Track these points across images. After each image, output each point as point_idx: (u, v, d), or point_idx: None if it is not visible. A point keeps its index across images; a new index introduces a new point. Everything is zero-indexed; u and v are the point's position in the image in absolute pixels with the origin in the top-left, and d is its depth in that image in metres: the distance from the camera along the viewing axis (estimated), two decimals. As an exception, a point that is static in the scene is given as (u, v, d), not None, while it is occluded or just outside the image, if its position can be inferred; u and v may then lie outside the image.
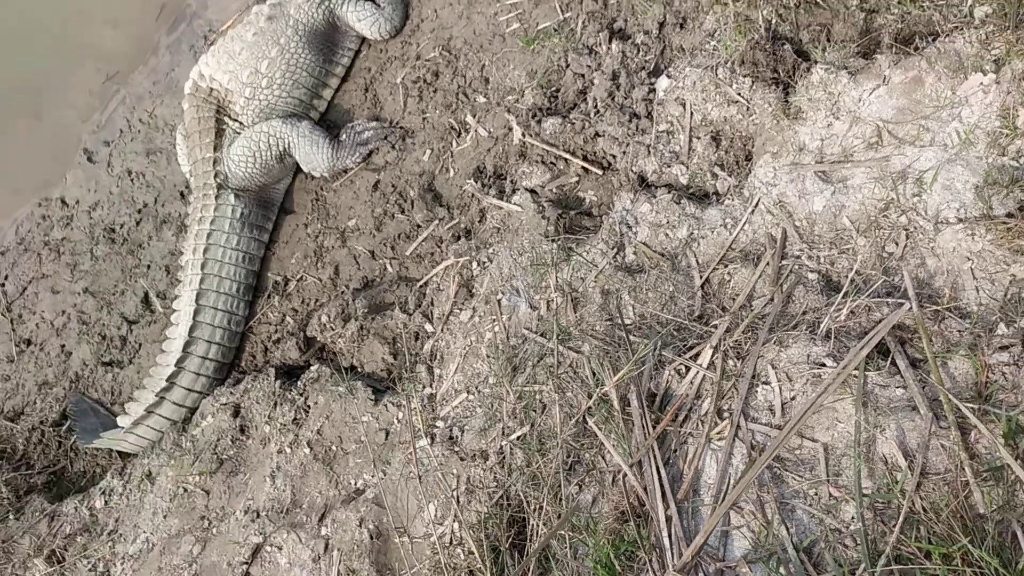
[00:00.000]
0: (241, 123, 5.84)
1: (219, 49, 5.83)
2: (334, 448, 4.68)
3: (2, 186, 7.33)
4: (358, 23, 5.88)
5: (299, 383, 5.08)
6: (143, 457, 5.48)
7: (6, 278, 6.97)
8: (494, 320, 4.36)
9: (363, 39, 6.05)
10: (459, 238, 4.99)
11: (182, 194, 6.66)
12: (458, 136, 5.37)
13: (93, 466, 6.07)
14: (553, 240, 4.32)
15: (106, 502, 5.44)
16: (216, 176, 5.79)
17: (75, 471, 6.12)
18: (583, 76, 4.86)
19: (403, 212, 5.36)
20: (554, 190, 4.65)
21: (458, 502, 3.87)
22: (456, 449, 4.12)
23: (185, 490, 5.08)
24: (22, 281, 6.95)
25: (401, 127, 5.67)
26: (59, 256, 6.93)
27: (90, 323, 6.69)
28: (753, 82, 3.92)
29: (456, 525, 3.91)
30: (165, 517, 5.04)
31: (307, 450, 4.73)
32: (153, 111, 6.91)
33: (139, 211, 6.68)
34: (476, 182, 5.05)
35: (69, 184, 7.02)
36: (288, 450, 4.81)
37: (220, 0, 7.08)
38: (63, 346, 6.72)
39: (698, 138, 4.11)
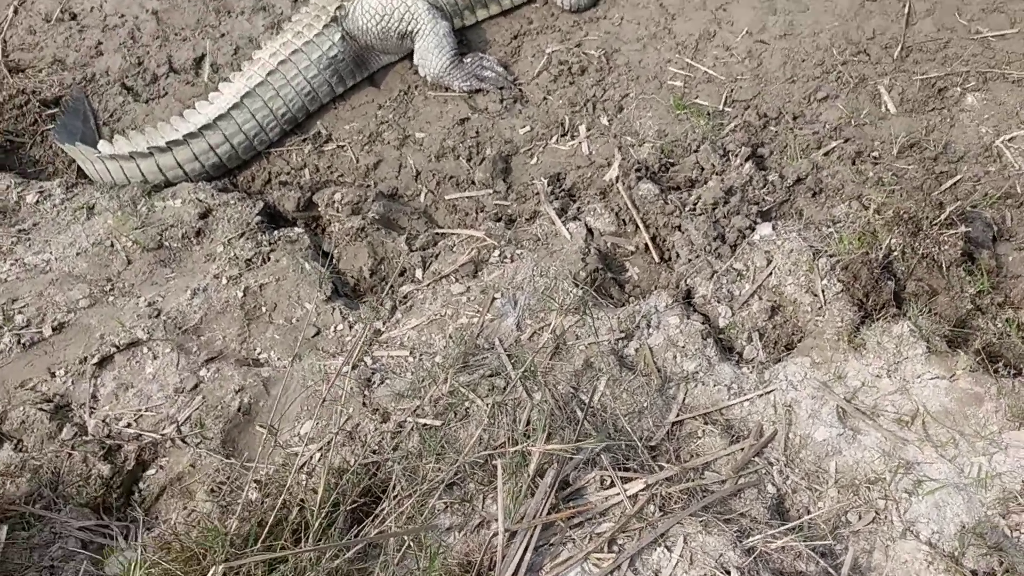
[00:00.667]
0: None
1: None
2: (264, 310, 4.51)
3: None
4: None
5: (275, 232, 4.90)
6: (97, 190, 5.26)
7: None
8: (478, 312, 4.22)
9: None
10: (499, 220, 4.85)
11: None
12: (562, 135, 5.22)
13: (49, 162, 5.84)
14: (577, 285, 4.19)
15: (37, 202, 5.22)
16: (338, 8, 5.57)
17: (30, 155, 5.88)
18: (703, 170, 4.74)
19: (469, 161, 5.20)
20: (609, 243, 4.52)
21: (334, 439, 3.72)
22: (366, 393, 3.97)
23: (112, 245, 4.88)
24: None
25: (521, 90, 5.50)
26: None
27: (137, 42, 6.44)
28: (842, 290, 3.82)
29: (318, 456, 3.76)
30: (78, 255, 4.83)
31: (240, 294, 4.56)
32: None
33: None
34: (548, 185, 4.90)
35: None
36: (224, 281, 4.63)
37: None
38: (100, 43, 6.46)
39: (760, 298, 4.00)
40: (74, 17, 6.77)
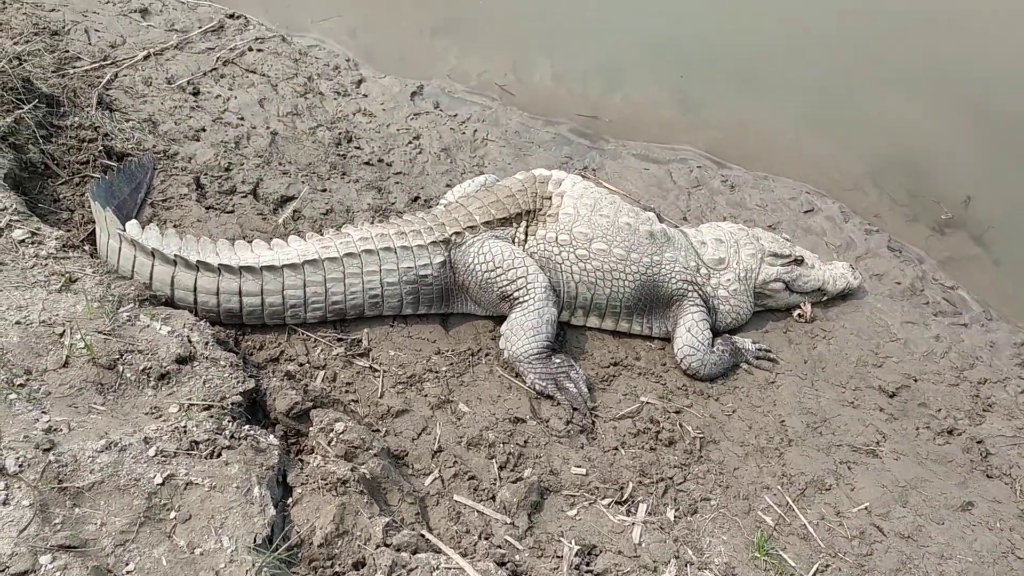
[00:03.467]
0: (538, 241, 4.95)
1: (594, 197, 5.05)
2: (171, 517, 3.33)
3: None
4: (679, 340, 5.02)
5: (245, 427, 3.82)
6: (91, 266, 4.32)
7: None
8: None
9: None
10: (503, 565, 3.72)
11: (417, 200, 5.82)
12: (616, 502, 4.22)
13: (69, 209, 4.97)
14: None
15: (22, 241, 4.29)
16: (456, 234, 4.85)
17: (57, 191, 5.03)
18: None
19: (501, 469, 4.20)
20: None
21: None
22: None
23: (62, 335, 3.85)
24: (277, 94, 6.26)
25: (595, 423, 4.59)
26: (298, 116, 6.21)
27: (239, 149, 5.81)
28: None
29: None
30: (17, 323, 3.83)
31: (158, 479, 3.41)
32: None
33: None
34: (576, 555, 3.83)
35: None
36: (152, 452, 3.49)
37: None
38: (203, 129, 5.86)
39: None
40: (196, 93, 6.23)
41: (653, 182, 6.56)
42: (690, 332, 4.96)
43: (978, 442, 4.95)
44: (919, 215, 6.81)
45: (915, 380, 5.29)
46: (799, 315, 5.55)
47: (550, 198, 5.07)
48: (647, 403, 4.76)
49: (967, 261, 6.49)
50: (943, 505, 4.52)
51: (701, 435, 4.64)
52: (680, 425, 4.67)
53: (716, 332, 5.20)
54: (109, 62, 6.26)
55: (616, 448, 4.49)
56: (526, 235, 5.01)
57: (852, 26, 8.32)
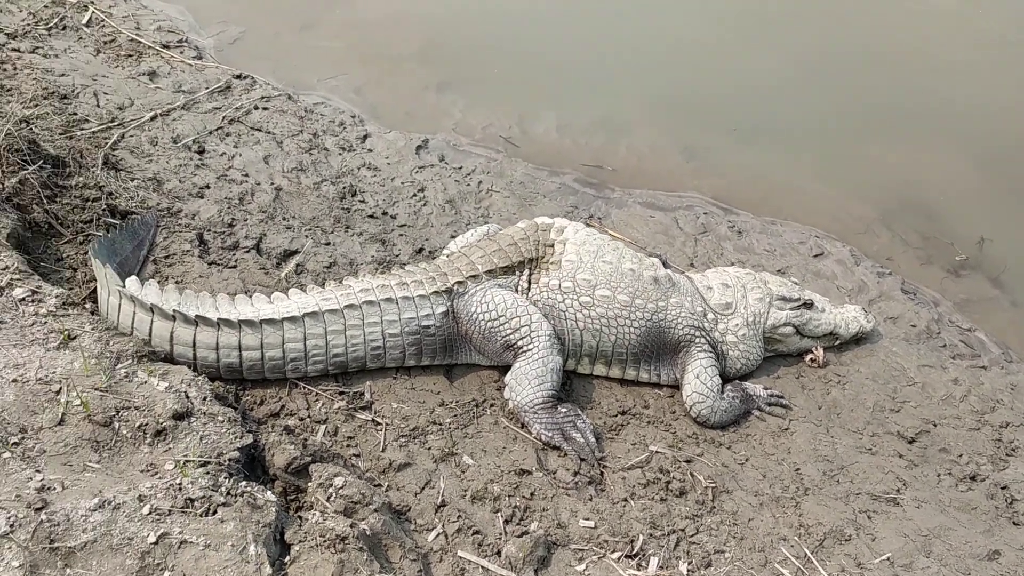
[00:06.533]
0: (541, 289, 4.89)
1: (606, 249, 5.01)
2: (164, 580, 3.23)
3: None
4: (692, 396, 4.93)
5: (242, 483, 3.72)
6: (91, 324, 4.28)
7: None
8: None
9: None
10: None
11: (422, 251, 5.80)
12: (626, 556, 4.07)
13: (72, 268, 4.97)
14: None
15: (22, 299, 4.27)
16: (459, 283, 4.80)
17: (60, 250, 5.04)
18: None
19: (507, 523, 4.08)
20: None
21: None
22: None
23: (59, 392, 3.80)
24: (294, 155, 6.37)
25: (603, 474, 4.46)
26: (312, 169, 6.25)
27: (243, 205, 5.82)
28: None
29: None
30: (14, 381, 3.78)
31: (152, 538, 3.31)
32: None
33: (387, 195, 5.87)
34: None
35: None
36: (146, 510, 3.41)
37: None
38: (207, 186, 5.89)
39: None
40: (202, 152, 6.28)
41: (659, 229, 6.51)
42: (699, 379, 4.85)
43: (1002, 488, 4.77)
44: (933, 257, 6.70)
45: (934, 425, 5.14)
46: (811, 360, 5.43)
47: (553, 245, 5.03)
48: (657, 452, 4.63)
49: (984, 303, 6.36)
50: (968, 554, 4.33)
51: (713, 485, 4.50)
52: (691, 475, 4.54)
53: (726, 378, 5.09)
54: (116, 123, 6.33)
55: (625, 499, 4.36)
56: (529, 283, 4.96)
57: (858, 70, 8.32)
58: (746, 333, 5.13)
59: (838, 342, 5.54)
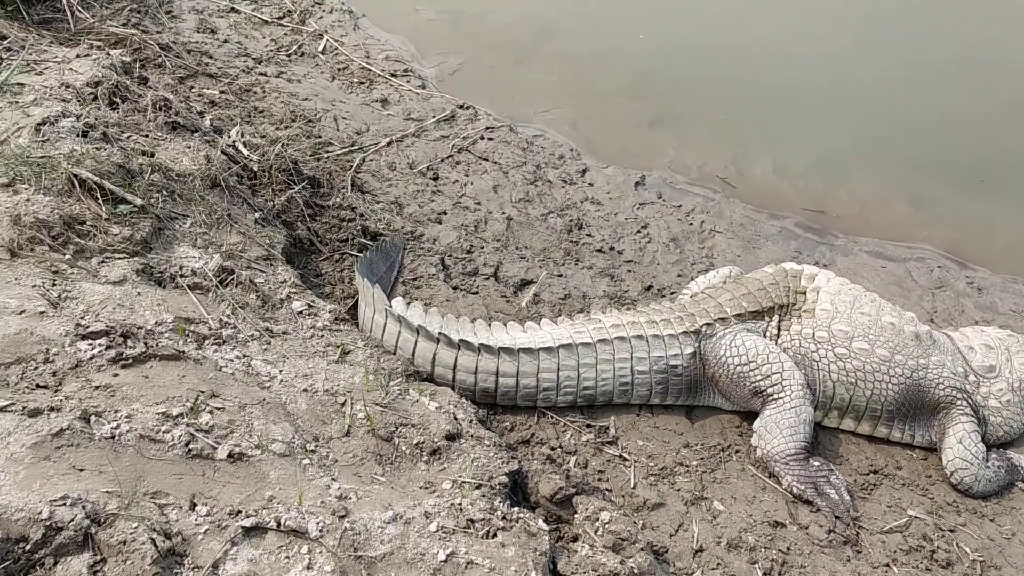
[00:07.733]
0: (792, 337, 4.78)
1: (867, 303, 4.87)
2: None
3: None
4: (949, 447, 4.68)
5: (515, 509, 3.77)
6: (363, 340, 4.48)
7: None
8: None
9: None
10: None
11: (650, 288, 5.79)
12: None
13: (332, 283, 5.24)
14: None
15: (300, 312, 4.50)
16: (707, 325, 4.75)
17: (318, 266, 5.31)
18: None
19: (766, 577, 3.96)
20: None
21: None
22: None
23: (343, 405, 3.98)
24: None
25: (859, 533, 4.29)
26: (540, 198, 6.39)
27: (479, 233, 5.98)
28: None
29: None
30: (304, 391, 3.97)
31: (442, 555, 3.40)
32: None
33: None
34: None
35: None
36: (432, 527, 3.50)
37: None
38: (444, 213, 6.10)
39: None
40: (436, 178, 6.51)
41: (892, 280, 6.27)
42: (962, 444, 4.61)
43: None
44: None
45: None
46: (1079, 433, 5.07)
47: (804, 293, 4.91)
48: (916, 518, 4.42)
49: None
50: None
51: (981, 559, 4.24)
52: (957, 545, 4.30)
53: (985, 445, 4.81)
54: (356, 147, 6.66)
55: (887, 564, 4.17)
56: (779, 330, 4.85)
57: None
58: (1011, 399, 4.84)
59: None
